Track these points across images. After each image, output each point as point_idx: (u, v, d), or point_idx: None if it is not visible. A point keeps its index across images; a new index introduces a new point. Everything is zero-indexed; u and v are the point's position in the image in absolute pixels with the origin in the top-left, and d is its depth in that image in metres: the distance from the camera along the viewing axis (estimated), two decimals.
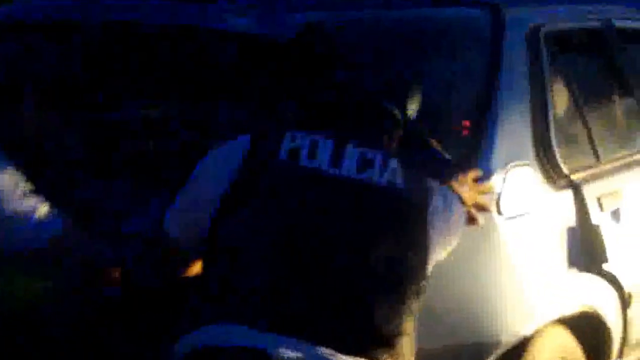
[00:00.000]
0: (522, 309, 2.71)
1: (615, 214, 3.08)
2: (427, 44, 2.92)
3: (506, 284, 2.68)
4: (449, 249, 2.17)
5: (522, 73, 2.92)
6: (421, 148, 2.33)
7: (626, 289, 3.10)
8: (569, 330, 2.92)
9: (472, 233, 2.56)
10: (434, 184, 2.08)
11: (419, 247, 2.04)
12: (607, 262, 2.92)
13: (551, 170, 2.87)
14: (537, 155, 2.84)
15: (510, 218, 2.67)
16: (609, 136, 3.22)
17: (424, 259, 2.05)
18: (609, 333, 3.06)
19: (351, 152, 2.04)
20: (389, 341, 1.97)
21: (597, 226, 2.91)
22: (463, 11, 3.05)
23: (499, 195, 2.64)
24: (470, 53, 2.94)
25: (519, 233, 2.71)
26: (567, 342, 2.93)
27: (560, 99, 3.11)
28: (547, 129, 2.90)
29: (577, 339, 2.97)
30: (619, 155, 3.18)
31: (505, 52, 2.90)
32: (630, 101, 3.39)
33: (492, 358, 2.63)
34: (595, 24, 3.42)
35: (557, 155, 2.89)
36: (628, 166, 3.20)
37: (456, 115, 2.81)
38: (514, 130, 2.81)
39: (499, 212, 2.64)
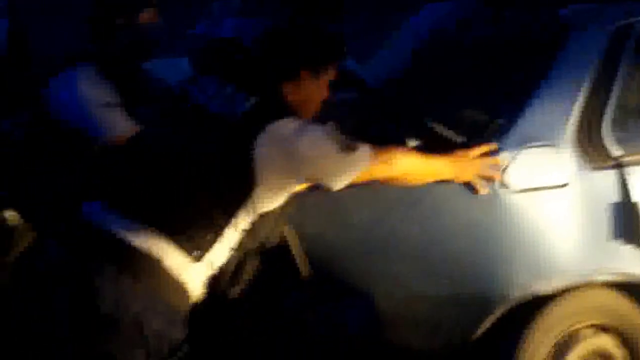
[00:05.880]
0: (533, 269, 3.14)
1: None
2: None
3: (512, 247, 3.13)
4: (300, 175, 2.53)
5: (585, 66, 3.29)
6: None
7: None
8: (615, 293, 3.30)
9: (481, 201, 3.14)
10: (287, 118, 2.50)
11: (236, 166, 2.44)
12: None
13: (595, 152, 3.23)
14: (579, 139, 3.21)
15: (520, 191, 3.13)
16: None
17: (243, 181, 2.44)
18: None
19: (226, 91, 2.61)
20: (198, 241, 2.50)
21: (636, 203, 3.20)
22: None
23: (506, 169, 3.12)
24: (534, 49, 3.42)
25: (532, 204, 3.14)
26: (615, 303, 3.31)
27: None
28: (601, 116, 3.25)
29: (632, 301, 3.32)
30: None
31: (568, 47, 3.32)
32: None
33: (501, 309, 3.13)
34: None
35: (606, 141, 3.23)
36: None
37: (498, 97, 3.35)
38: (549, 116, 3.21)
39: (504, 185, 3.12)
